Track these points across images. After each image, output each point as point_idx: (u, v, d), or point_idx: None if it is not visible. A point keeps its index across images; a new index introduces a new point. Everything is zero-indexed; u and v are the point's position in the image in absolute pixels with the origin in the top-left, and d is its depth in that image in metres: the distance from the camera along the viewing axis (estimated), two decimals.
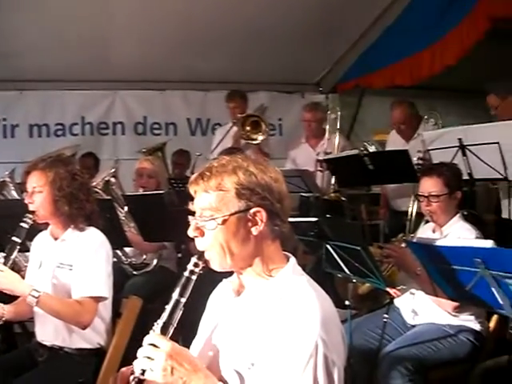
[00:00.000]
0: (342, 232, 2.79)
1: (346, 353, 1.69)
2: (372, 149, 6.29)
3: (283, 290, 1.66)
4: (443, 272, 2.23)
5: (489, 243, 2.77)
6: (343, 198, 5.28)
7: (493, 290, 2.05)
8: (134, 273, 4.39)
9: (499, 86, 4.35)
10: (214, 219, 1.65)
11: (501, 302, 2.09)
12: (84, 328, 2.69)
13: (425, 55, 5.48)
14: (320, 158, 5.30)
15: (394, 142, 5.26)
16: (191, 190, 1.71)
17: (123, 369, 1.71)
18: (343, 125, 6.93)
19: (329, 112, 5.71)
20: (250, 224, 1.66)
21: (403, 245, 3.11)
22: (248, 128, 5.40)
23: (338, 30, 6.15)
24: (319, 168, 5.28)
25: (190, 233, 1.70)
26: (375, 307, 3.57)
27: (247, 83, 6.87)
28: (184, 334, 1.93)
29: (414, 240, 3.14)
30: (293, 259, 1.76)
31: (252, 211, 1.65)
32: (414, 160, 4.30)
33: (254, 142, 5.36)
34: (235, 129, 5.68)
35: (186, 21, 5.58)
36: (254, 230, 1.66)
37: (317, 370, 1.53)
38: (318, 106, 5.86)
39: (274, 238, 1.71)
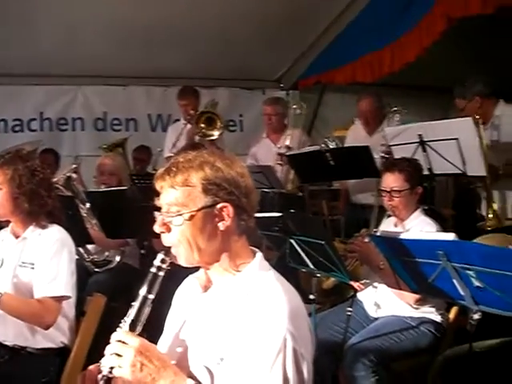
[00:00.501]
0: (306, 227, 2.81)
1: (314, 346, 1.71)
2: (332, 145, 6.32)
3: (250, 285, 1.66)
4: (406, 265, 2.27)
5: (451, 236, 2.83)
6: (300, 194, 5.31)
7: (454, 281, 2.10)
8: (97, 270, 4.33)
9: (465, 90, 4.39)
10: (180, 215, 1.64)
11: (462, 293, 2.14)
12: (47, 328, 2.65)
13: (385, 52, 5.55)
14: (281, 151, 5.30)
15: (357, 134, 5.32)
16: (157, 185, 1.69)
17: (91, 367, 1.69)
18: (304, 121, 6.99)
19: (294, 107, 5.72)
20: (216, 219, 1.66)
21: (367, 239, 3.15)
22: (203, 125, 5.36)
23: (299, 27, 6.17)
24: (279, 162, 5.28)
25: (157, 228, 1.69)
26: (338, 301, 3.61)
27: (208, 79, 6.86)
28: (149, 331, 1.91)
29: (378, 234, 3.18)
30: (259, 254, 1.76)
31: (219, 206, 1.65)
32: (378, 155, 4.37)
33: (211, 138, 5.33)
34: (189, 126, 5.62)
35: (148, 16, 5.52)
36: (221, 226, 1.66)
37: (286, 364, 1.54)
38: (278, 100, 5.87)
39: (240, 233, 1.71)
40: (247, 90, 7.41)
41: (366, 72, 5.81)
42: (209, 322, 1.68)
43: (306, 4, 5.75)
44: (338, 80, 6.36)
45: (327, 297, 3.73)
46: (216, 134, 5.35)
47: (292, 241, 2.84)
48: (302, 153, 4.74)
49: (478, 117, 4.11)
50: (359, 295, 3.39)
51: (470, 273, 2.00)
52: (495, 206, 4.09)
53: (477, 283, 2.03)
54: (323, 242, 2.63)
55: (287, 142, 5.37)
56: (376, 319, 3.29)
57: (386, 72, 5.57)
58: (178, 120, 6.51)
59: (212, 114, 5.43)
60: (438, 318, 3.20)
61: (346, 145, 5.17)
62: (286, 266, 3.08)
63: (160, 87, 7.15)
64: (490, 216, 4.07)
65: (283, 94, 7.29)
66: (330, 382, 3.20)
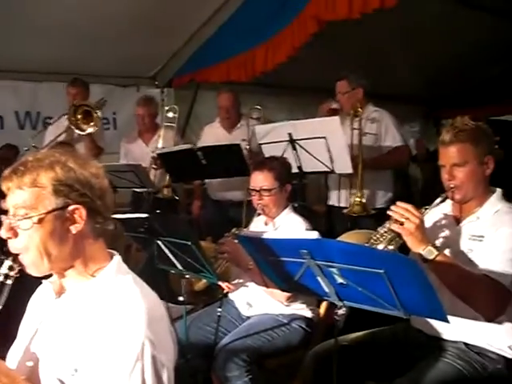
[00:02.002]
0: (172, 227, 2.74)
1: (176, 352, 1.66)
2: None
3: (106, 290, 1.59)
4: (272, 264, 2.26)
5: (314, 234, 2.87)
6: (176, 197, 5.25)
7: (319, 279, 2.12)
8: None
9: (353, 76, 4.58)
10: (28, 218, 1.53)
11: (326, 289, 2.17)
12: None
13: (258, 52, 5.58)
14: (154, 155, 5.18)
15: (215, 133, 5.32)
16: (3, 186, 1.57)
17: None
18: (179, 119, 6.91)
19: (166, 108, 5.66)
20: (68, 222, 1.57)
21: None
22: (79, 117, 5.15)
23: (174, 24, 6.08)
24: (153, 166, 5.17)
25: (3, 233, 1.57)
26: (211, 302, 3.57)
27: (81, 75, 6.54)
28: (9, 345, 1.77)
29: (243, 234, 3.17)
30: (117, 257, 1.69)
31: (70, 209, 1.56)
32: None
33: (83, 133, 5.12)
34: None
35: (16, 6, 5.20)
36: (74, 229, 1.57)
37: (145, 373, 1.48)
38: (150, 101, 5.76)
39: (96, 236, 1.63)
40: (121, 86, 7.19)
41: (240, 71, 5.82)
42: (62, 331, 1.59)
43: (180, 1, 5.67)
44: (212, 79, 6.33)
45: (199, 297, 3.68)
46: (89, 129, 5.13)
47: (159, 242, 2.77)
48: (173, 151, 4.66)
49: (360, 109, 4.32)
50: (231, 295, 3.38)
51: (333, 270, 2.03)
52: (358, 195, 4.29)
53: (340, 280, 2.06)
54: (189, 243, 2.58)
55: (159, 144, 5.30)
56: (248, 318, 3.29)
57: (260, 71, 5.62)
58: (49, 118, 6.24)
59: (90, 108, 5.20)
60: (308, 314, 3.25)
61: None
62: (155, 268, 3.02)
63: (29, 82, 6.76)
64: (357, 201, 4.25)
65: (158, 92, 7.18)
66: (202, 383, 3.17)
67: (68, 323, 1.58)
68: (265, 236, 2.92)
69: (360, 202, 4.24)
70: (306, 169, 4.03)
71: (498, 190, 2.60)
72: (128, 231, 3.00)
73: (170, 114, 5.52)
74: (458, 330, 2.50)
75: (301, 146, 3.93)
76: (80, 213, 1.56)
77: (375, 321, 2.67)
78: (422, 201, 2.57)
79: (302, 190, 4.16)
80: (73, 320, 1.58)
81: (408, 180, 8.58)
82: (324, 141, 3.81)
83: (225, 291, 3.17)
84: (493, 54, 7.21)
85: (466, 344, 2.52)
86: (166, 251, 2.77)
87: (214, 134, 5.32)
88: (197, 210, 5.68)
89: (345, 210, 4.35)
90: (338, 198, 4.67)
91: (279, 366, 3.28)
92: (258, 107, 5.01)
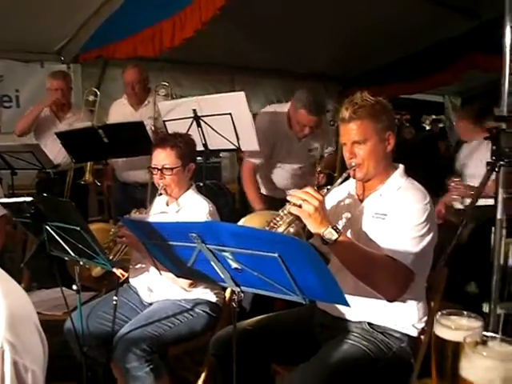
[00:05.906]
0: (60, 212, 2.53)
1: (46, 352, 1.49)
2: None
3: None
4: (163, 249, 2.12)
5: (203, 217, 2.71)
6: (98, 183, 5.10)
7: (212, 264, 1.99)
8: None
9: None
10: None
11: (222, 275, 2.05)
12: None
13: (166, 27, 5.36)
14: None
15: (122, 110, 5.14)
16: None
17: None
18: (88, 97, 6.62)
19: (86, 92, 5.46)
20: None
21: None
22: None
23: None
24: None
25: None
26: (113, 287, 3.41)
27: None
28: None
29: (129, 217, 3.00)
30: None
31: None
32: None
33: None
34: None
35: None
36: None
37: (5, 381, 1.31)
38: (65, 74, 5.52)
39: None
40: (23, 62, 6.77)
41: (148, 46, 5.57)
42: None
43: None
44: (119, 54, 6.03)
45: (101, 282, 3.49)
46: None
47: (47, 227, 2.56)
48: (72, 130, 4.41)
49: None
50: (132, 280, 3.23)
51: (226, 254, 1.90)
52: None
53: (234, 265, 1.95)
54: (78, 228, 2.39)
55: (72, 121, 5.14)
56: (150, 304, 3.15)
57: (167, 47, 5.39)
58: None
59: None
60: (213, 298, 3.14)
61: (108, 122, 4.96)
62: (49, 255, 2.81)
63: None
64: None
65: (64, 68, 6.80)
66: (102, 376, 3.02)
67: None
68: (149, 219, 2.77)
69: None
70: (211, 146, 3.90)
71: (401, 166, 2.55)
72: (16, 216, 2.77)
73: (90, 98, 5.42)
74: (362, 310, 2.47)
75: (206, 123, 3.79)
76: None
77: (285, 303, 2.60)
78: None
79: (214, 169, 4.05)
80: None
81: None
82: (229, 117, 3.67)
83: (120, 279, 3.00)
84: (408, 32, 7.27)
85: (370, 324, 2.49)
86: (56, 237, 2.56)
87: (121, 112, 5.12)
88: (106, 192, 5.52)
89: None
90: None
91: (185, 352, 3.17)
92: (166, 83, 4.83)
